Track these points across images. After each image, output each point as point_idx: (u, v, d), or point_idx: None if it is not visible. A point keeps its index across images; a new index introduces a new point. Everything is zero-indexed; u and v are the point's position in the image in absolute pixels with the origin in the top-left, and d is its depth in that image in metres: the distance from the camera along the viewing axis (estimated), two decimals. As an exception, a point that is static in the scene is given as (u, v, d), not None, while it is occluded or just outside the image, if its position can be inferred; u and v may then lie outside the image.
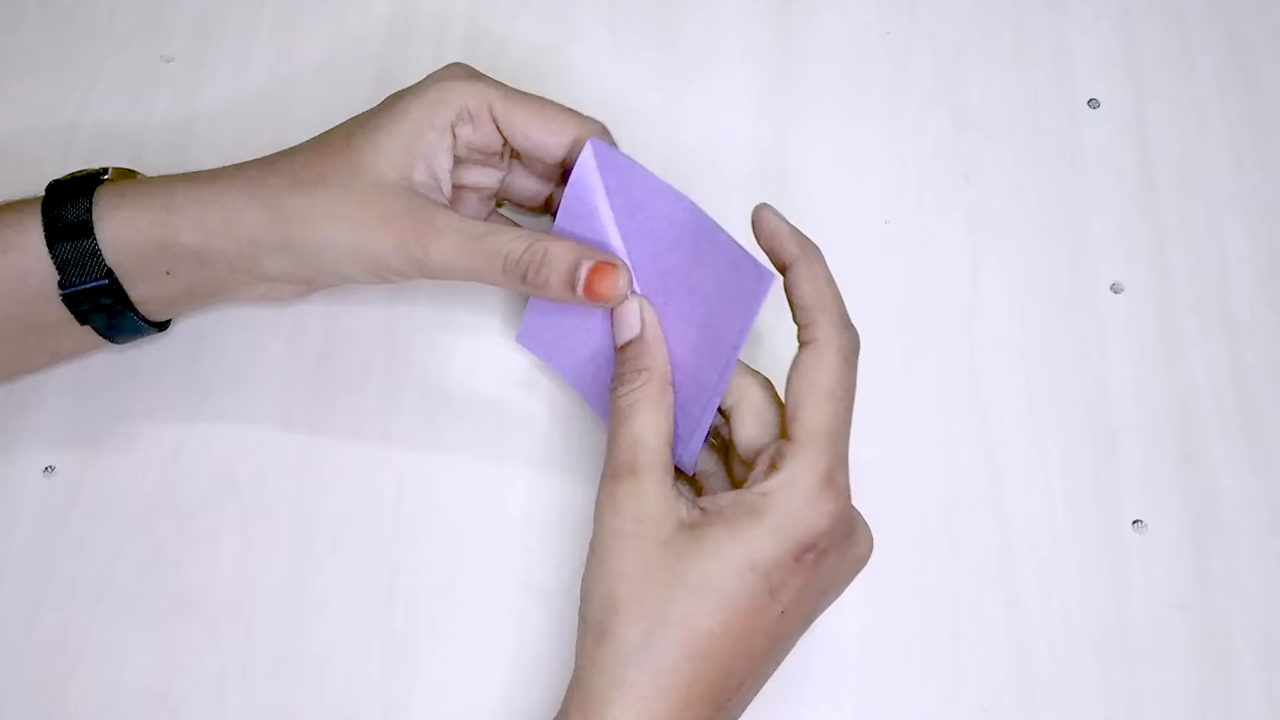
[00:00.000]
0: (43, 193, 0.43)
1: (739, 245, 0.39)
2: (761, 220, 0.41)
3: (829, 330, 0.39)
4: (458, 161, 0.44)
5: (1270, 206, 0.52)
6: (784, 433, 0.39)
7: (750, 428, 0.40)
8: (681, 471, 0.42)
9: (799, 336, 0.40)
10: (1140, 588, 0.45)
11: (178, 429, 0.48)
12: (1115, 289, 0.51)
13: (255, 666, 0.44)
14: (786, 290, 0.40)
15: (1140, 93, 0.55)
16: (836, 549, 0.38)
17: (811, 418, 0.38)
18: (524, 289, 0.41)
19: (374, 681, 0.44)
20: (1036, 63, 0.55)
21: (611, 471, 0.39)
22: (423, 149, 0.42)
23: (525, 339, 0.47)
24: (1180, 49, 0.56)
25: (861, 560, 0.40)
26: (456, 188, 0.45)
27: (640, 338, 0.41)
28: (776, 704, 0.42)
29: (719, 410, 0.41)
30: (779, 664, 0.40)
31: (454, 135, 0.43)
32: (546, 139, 0.43)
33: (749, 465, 0.40)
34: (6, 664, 0.44)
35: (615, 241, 0.42)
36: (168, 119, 0.54)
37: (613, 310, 0.42)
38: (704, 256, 0.40)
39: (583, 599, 0.39)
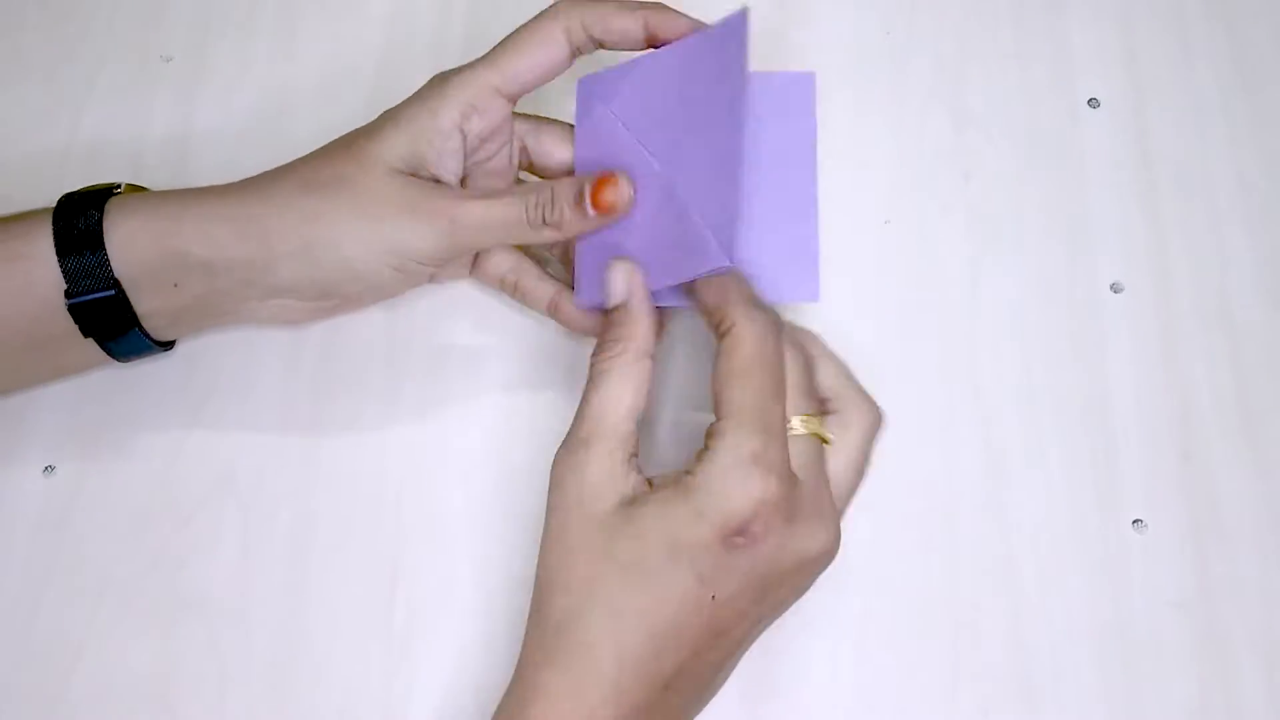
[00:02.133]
0: (53, 204, 0.43)
1: (699, 28, 0.42)
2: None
3: (737, 314, 0.38)
4: (470, 152, 0.45)
5: (1270, 206, 0.52)
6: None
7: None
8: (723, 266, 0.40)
9: (716, 337, 0.39)
10: (1140, 587, 0.45)
11: (178, 429, 0.48)
12: (1115, 289, 0.51)
13: (255, 666, 0.44)
14: (696, 302, 0.41)
15: (1140, 93, 0.55)
16: (773, 535, 0.36)
17: (733, 396, 0.37)
18: (550, 234, 0.42)
19: (374, 681, 0.44)
20: (1036, 62, 0.55)
21: (567, 441, 0.39)
22: (430, 153, 0.43)
23: (582, 298, 0.46)
24: (1180, 49, 0.56)
25: (816, 558, 0.38)
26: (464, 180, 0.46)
27: (625, 306, 0.41)
28: (776, 704, 0.42)
29: None
30: (732, 658, 0.38)
31: (463, 134, 0.43)
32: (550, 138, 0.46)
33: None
34: (7, 663, 0.44)
35: (631, 144, 0.44)
36: (168, 119, 0.54)
37: (606, 277, 0.42)
38: (686, 74, 0.42)
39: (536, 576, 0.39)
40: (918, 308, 0.50)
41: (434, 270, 0.45)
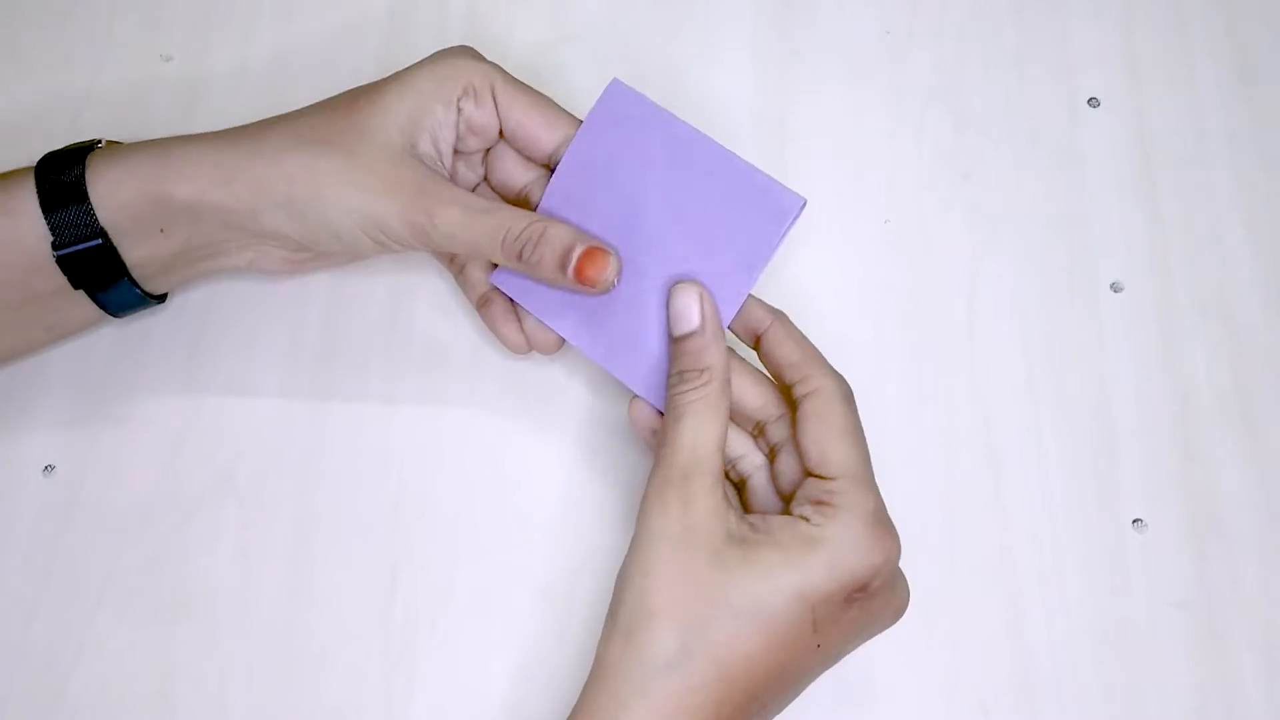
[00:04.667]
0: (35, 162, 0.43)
1: (761, 173, 0.41)
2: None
3: (826, 378, 0.39)
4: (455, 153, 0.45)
5: (1270, 206, 0.52)
6: (809, 472, 0.39)
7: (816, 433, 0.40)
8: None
9: (794, 392, 0.40)
10: (1140, 587, 0.45)
11: (178, 428, 0.48)
12: (1115, 288, 0.51)
13: (255, 666, 0.44)
14: (767, 354, 0.41)
15: (1140, 92, 0.55)
16: (885, 591, 0.38)
17: (845, 454, 0.38)
18: (517, 266, 0.42)
19: (374, 681, 0.44)
20: (1037, 62, 0.55)
21: (663, 473, 0.39)
22: (429, 121, 0.43)
23: (500, 277, 0.45)
24: (1180, 48, 0.56)
25: (899, 610, 0.40)
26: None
27: (700, 332, 0.40)
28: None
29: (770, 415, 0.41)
30: (798, 695, 0.39)
31: (459, 110, 0.43)
32: (539, 131, 0.44)
33: (818, 476, 0.39)
34: (7, 663, 0.44)
35: (619, 188, 0.43)
36: (168, 119, 0.54)
37: (670, 298, 0.41)
38: (724, 188, 0.42)
39: (615, 596, 0.38)
40: (918, 307, 0.50)
41: (411, 249, 0.44)
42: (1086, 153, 0.53)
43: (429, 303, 0.50)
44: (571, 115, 0.45)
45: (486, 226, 0.41)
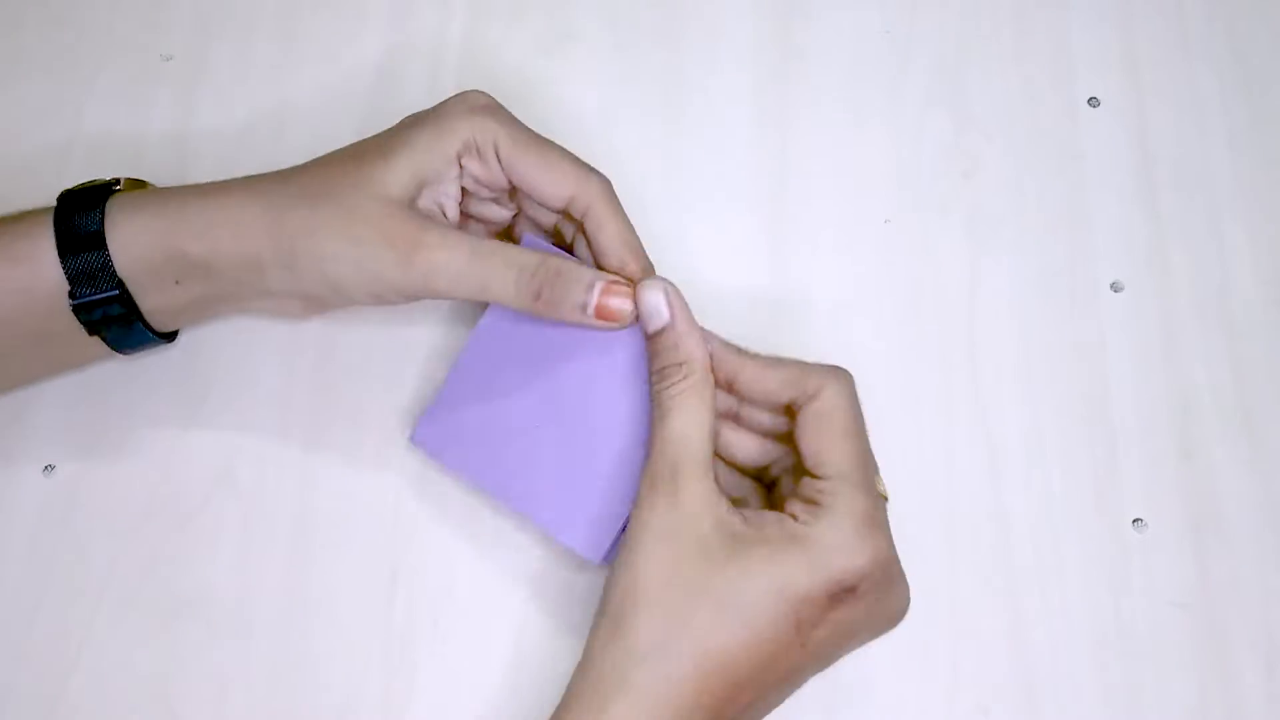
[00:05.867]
0: (54, 203, 0.43)
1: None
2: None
3: (824, 378, 0.39)
4: (466, 194, 0.44)
5: (1270, 206, 0.52)
6: (806, 471, 0.39)
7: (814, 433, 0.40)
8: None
9: (795, 405, 0.40)
10: (1140, 587, 0.45)
11: (178, 428, 0.48)
12: (1115, 288, 0.51)
13: (255, 666, 0.44)
14: (749, 391, 0.41)
15: (1140, 92, 0.55)
16: (873, 594, 0.38)
17: (841, 455, 0.38)
18: (534, 306, 0.41)
19: (374, 681, 0.44)
20: (1036, 62, 0.55)
21: (653, 468, 0.39)
22: (430, 176, 0.42)
23: (423, 436, 0.45)
24: (1180, 49, 0.56)
25: (895, 617, 0.39)
26: (465, 216, 0.45)
27: (672, 326, 0.40)
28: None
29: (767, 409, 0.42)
30: (788, 696, 0.39)
31: (460, 166, 0.43)
32: (546, 189, 0.43)
33: (812, 475, 0.39)
34: (7, 663, 0.44)
35: (544, 349, 0.43)
36: (168, 118, 0.54)
37: (638, 299, 0.41)
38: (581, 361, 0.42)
39: (605, 587, 0.38)
40: (918, 307, 0.50)
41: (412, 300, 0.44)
42: (1086, 153, 0.53)
43: (430, 301, 0.50)
44: (579, 162, 0.43)
45: (496, 264, 0.41)
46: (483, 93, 0.44)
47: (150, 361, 0.49)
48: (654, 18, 0.56)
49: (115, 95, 0.54)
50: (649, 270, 0.43)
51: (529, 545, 0.46)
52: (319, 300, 0.45)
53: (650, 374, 0.41)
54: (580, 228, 0.43)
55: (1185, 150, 0.53)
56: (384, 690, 0.44)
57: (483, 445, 0.43)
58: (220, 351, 0.49)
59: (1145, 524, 0.46)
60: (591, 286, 0.40)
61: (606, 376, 0.42)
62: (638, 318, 0.41)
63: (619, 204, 0.43)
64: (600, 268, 0.42)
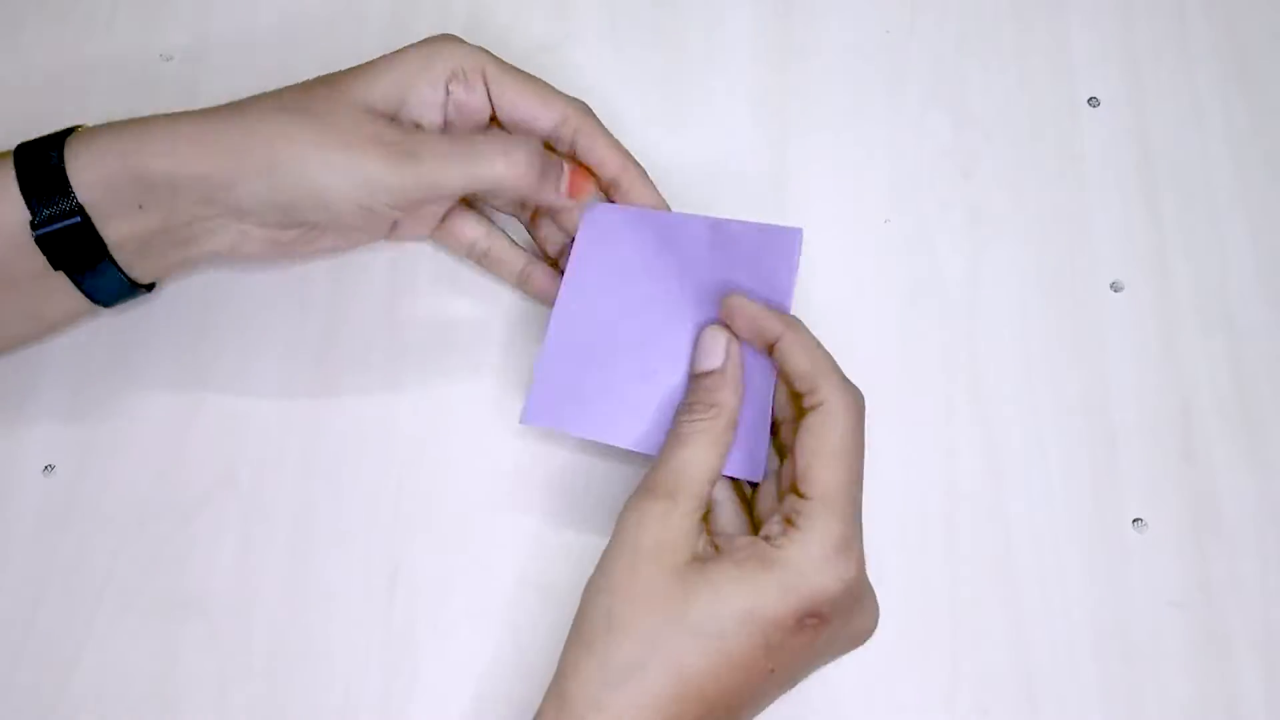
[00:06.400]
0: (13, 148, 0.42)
1: (754, 224, 0.43)
2: (736, 308, 0.41)
3: (834, 391, 0.39)
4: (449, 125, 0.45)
5: (1270, 206, 0.52)
6: (794, 489, 0.39)
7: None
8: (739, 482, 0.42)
9: (803, 404, 0.40)
10: (1140, 586, 0.45)
11: (177, 428, 0.48)
12: (1115, 288, 0.51)
13: (255, 666, 0.44)
14: (781, 363, 0.41)
15: (1140, 92, 0.55)
16: (840, 618, 0.37)
17: (827, 477, 0.38)
18: (546, 192, 0.43)
19: (374, 681, 0.44)
20: (1036, 61, 0.55)
21: (648, 487, 0.39)
22: (413, 98, 0.43)
23: (534, 414, 0.44)
24: (1180, 48, 0.56)
25: (860, 636, 0.39)
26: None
27: (721, 371, 0.41)
28: (777, 705, 0.42)
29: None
30: (755, 717, 0.39)
31: (447, 91, 0.43)
32: (534, 111, 0.45)
33: (797, 493, 0.39)
34: (7, 662, 0.44)
35: (631, 291, 0.44)
36: (168, 119, 0.54)
37: (699, 336, 0.42)
38: (727, 253, 0.43)
39: (580, 606, 0.38)
40: (918, 307, 0.50)
41: (399, 215, 0.44)
42: (1086, 152, 0.53)
43: (430, 301, 0.50)
44: (565, 95, 0.45)
45: (497, 146, 0.42)
46: (456, 35, 0.45)
47: (150, 361, 0.49)
48: (654, 18, 0.56)
49: (115, 95, 0.54)
50: (645, 173, 0.46)
51: (529, 545, 0.46)
52: (288, 221, 0.43)
53: (681, 403, 0.41)
54: (570, 151, 0.46)
55: (1185, 150, 0.53)
56: (384, 690, 0.44)
57: (594, 404, 0.44)
58: (220, 351, 0.49)
59: (1145, 524, 0.46)
60: (563, 168, 0.44)
61: (691, 327, 0.43)
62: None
63: (600, 124, 0.46)
64: (598, 179, 0.46)
